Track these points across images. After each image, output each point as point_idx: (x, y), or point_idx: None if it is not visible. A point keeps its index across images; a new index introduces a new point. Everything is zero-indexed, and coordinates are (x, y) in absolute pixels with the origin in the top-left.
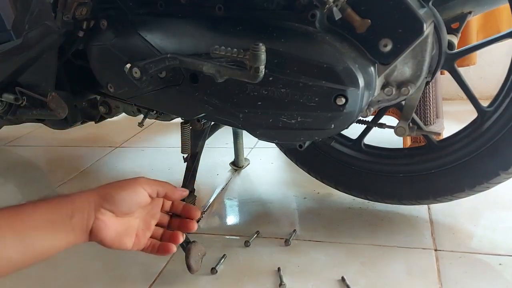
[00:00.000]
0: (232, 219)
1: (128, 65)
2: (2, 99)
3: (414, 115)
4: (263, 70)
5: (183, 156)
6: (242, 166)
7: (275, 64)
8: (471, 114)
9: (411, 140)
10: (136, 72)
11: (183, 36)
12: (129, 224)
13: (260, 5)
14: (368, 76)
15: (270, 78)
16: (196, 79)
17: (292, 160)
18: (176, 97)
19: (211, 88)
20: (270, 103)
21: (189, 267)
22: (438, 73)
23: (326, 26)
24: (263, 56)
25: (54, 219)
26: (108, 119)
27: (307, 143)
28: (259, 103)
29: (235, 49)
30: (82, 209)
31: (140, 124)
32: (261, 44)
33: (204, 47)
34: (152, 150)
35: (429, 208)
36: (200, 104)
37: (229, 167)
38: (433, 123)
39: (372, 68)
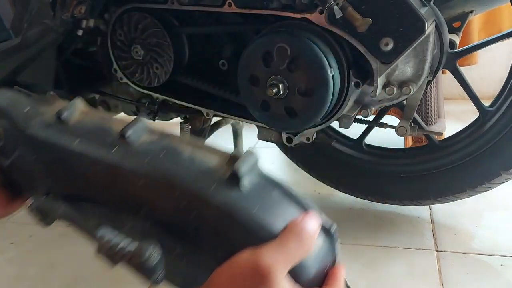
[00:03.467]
0: None
1: None
2: None
3: (415, 115)
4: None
5: None
6: None
7: None
8: (473, 114)
9: (413, 140)
10: None
11: None
12: None
13: None
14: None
15: None
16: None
17: (292, 161)
18: None
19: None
20: None
21: None
22: (440, 72)
23: None
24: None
25: None
26: None
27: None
28: None
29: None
30: None
31: None
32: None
33: None
34: None
35: (430, 209)
36: None
37: None
38: (435, 123)
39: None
